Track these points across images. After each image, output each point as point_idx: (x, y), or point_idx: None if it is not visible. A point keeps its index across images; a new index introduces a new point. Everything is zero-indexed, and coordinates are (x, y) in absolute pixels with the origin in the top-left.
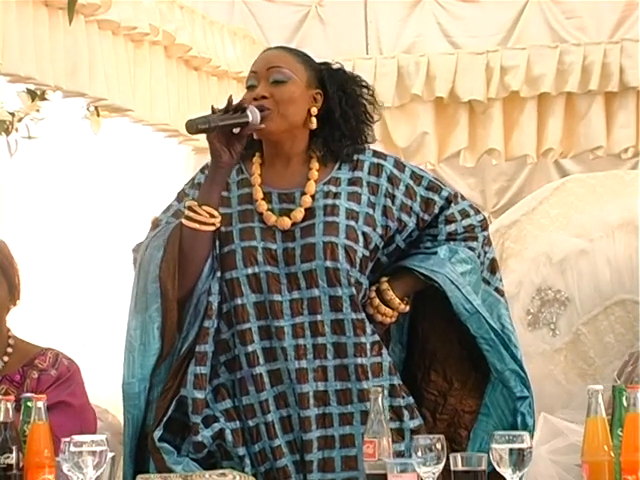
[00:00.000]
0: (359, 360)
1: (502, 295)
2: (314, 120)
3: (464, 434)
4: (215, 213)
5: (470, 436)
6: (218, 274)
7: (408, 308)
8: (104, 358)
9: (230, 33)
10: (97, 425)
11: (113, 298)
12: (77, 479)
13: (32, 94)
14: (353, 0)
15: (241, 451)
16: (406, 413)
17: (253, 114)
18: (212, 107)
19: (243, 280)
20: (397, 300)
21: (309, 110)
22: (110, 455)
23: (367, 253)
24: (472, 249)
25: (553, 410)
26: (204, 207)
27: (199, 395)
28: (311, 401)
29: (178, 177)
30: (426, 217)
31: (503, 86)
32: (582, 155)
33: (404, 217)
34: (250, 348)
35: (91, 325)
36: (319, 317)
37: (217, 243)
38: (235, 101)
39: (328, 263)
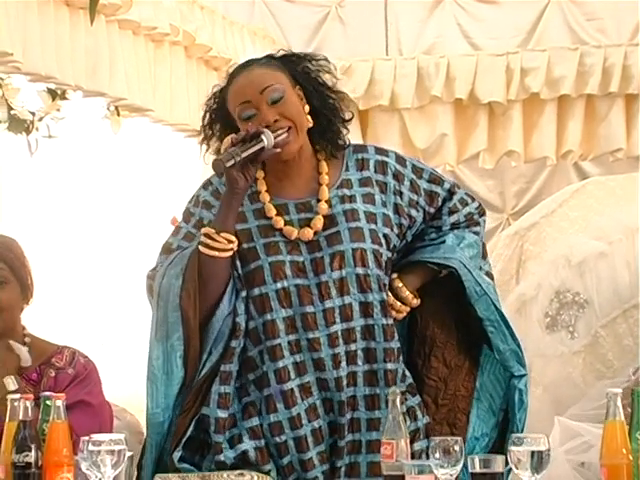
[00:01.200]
0: (389, 365)
1: (492, 279)
2: (309, 118)
3: (463, 419)
4: (232, 238)
5: (468, 421)
6: (243, 294)
7: (419, 302)
8: (123, 357)
9: (250, 33)
10: (113, 423)
11: (132, 297)
12: (95, 478)
13: (53, 93)
14: (373, 1)
15: (267, 467)
16: (419, 411)
17: (268, 138)
18: (231, 139)
19: (272, 295)
20: (411, 296)
21: (303, 109)
22: (128, 454)
23: (390, 255)
24: (476, 233)
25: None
26: (222, 234)
27: (222, 414)
28: (346, 408)
29: (197, 176)
30: (431, 210)
31: (523, 88)
32: (602, 157)
33: (413, 212)
34: (281, 364)
35: (110, 324)
36: (352, 324)
37: (237, 262)
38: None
39: (359, 269)
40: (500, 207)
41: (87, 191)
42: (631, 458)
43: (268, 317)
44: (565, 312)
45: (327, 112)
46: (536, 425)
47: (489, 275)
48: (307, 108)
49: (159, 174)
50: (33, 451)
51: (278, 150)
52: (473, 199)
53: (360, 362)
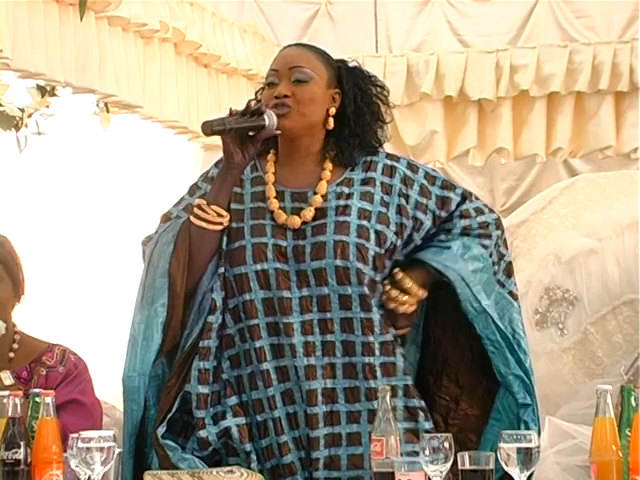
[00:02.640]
0: (367, 359)
1: (516, 299)
2: (331, 120)
3: (474, 439)
4: (223, 213)
5: (480, 440)
6: (221, 270)
7: (426, 294)
8: (112, 354)
9: (240, 30)
10: (102, 420)
11: (121, 294)
12: (85, 475)
13: (42, 90)
14: None
15: (248, 447)
16: (421, 414)
17: (270, 118)
18: (230, 109)
19: (252, 276)
20: (415, 286)
21: (327, 110)
22: (118, 451)
23: (381, 251)
24: (485, 247)
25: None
26: (212, 206)
27: (203, 390)
28: (319, 398)
29: (187, 174)
30: (443, 214)
31: (513, 85)
32: (591, 154)
33: (420, 215)
34: (258, 344)
35: (99, 321)
36: (329, 315)
37: (225, 239)
38: (254, 101)
39: (338, 262)
40: (490, 204)
41: (77, 188)
42: (621, 455)
43: (247, 297)
44: (555, 309)
45: (355, 127)
46: None
47: (512, 295)
48: (333, 111)
49: (149, 171)
50: (22, 448)
51: (279, 132)
52: (492, 211)
53: (339, 354)
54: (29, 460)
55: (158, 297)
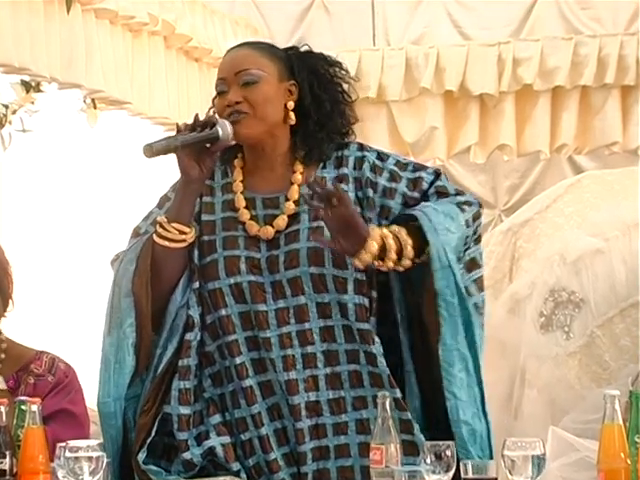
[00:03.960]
0: (352, 367)
1: (478, 267)
2: (292, 115)
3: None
4: (186, 229)
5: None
6: (196, 285)
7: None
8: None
9: (232, 23)
10: (90, 429)
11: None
12: None
13: (26, 85)
14: None
15: (235, 466)
16: (416, 427)
17: (223, 129)
18: (177, 125)
19: (226, 290)
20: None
21: (286, 105)
22: (107, 461)
23: None
24: (463, 211)
25: (566, 415)
26: (174, 224)
27: (184, 411)
28: (303, 412)
29: (176, 172)
30: (415, 194)
31: (515, 79)
32: (597, 151)
33: (386, 202)
34: (238, 360)
35: (86, 327)
36: (307, 325)
37: (196, 253)
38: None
39: (312, 269)
40: (492, 203)
41: (63, 188)
42: (629, 462)
43: (223, 312)
44: (560, 311)
45: (318, 117)
46: (530, 429)
47: (474, 262)
48: (291, 105)
49: (138, 170)
50: (8, 458)
51: (233, 142)
52: (476, 201)
53: (320, 365)
54: (15, 470)
55: (125, 318)
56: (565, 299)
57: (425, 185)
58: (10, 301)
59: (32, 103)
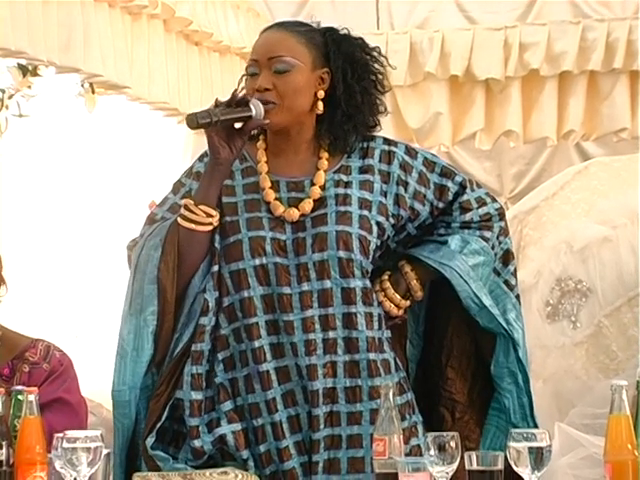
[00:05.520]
0: (371, 355)
1: (511, 289)
2: (320, 104)
3: (477, 431)
4: (213, 212)
5: (482, 431)
6: (215, 268)
7: (422, 294)
8: (98, 350)
9: (233, 6)
10: (88, 419)
11: (107, 288)
12: (70, 477)
13: (24, 69)
14: None
15: (245, 454)
16: (408, 410)
17: (256, 108)
18: (215, 100)
19: (250, 272)
20: (418, 286)
21: (316, 93)
22: (105, 452)
23: (379, 243)
24: (486, 239)
25: (573, 407)
26: (201, 206)
27: (196, 396)
28: (320, 399)
29: (177, 158)
30: (440, 205)
31: (522, 64)
32: (605, 137)
33: (417, 205)
34: (257, 344)
35: (84, 316)
36: (330, 310)
37: (218, 236)
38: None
39: (341, 253)
40: (498, 190)
41: (60, 173)
42: (637, 454)
43: (245, 294)
44: (567, 301)
45: (347, 108)
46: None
47: (508, 284)
48: (322, 94)
49: (136, 155)
50: (4, 448)
51: (267, 122)
52: (494, 200)
53: (340, 351)
54: (12, 461)
55: (147, 305)
56: (572, 288)
57: (450, 196)
58: (4, 285)
59: (29, 87)
